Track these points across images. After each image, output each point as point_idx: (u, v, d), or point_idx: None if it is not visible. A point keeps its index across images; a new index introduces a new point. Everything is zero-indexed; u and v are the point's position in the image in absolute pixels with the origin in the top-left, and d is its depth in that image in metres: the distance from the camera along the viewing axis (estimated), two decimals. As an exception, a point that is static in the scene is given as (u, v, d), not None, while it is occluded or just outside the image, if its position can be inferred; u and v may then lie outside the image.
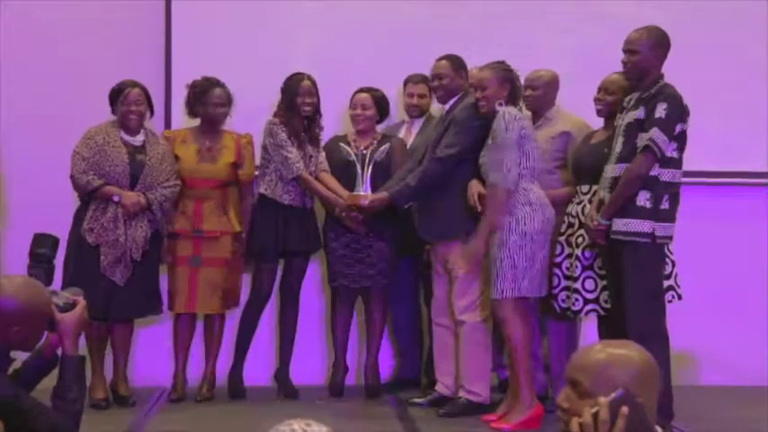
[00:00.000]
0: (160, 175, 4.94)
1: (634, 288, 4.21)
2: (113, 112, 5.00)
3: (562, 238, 4.62)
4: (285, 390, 5.21)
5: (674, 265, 4.48)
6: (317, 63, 5.32)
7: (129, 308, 4.92)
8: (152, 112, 5.09)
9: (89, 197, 4.89)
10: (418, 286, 5.47)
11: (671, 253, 4.45)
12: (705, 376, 5.65)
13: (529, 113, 4.83)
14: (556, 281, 4.61)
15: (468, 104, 4.73)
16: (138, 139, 4.99)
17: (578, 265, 4.51)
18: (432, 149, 4.80)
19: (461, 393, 4.77)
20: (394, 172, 5.07)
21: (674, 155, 4.23)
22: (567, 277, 4.58)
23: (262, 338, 5.34)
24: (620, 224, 4.23)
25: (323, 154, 5.22)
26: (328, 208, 5.17)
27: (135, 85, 4.99)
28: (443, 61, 4.88)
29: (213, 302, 5.09)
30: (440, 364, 4.94)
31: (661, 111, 4.16)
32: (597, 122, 4.74)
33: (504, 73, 4.59)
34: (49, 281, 2.94)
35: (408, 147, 5.25)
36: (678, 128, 4.20)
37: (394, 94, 5.42)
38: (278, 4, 5.61)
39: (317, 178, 5.13)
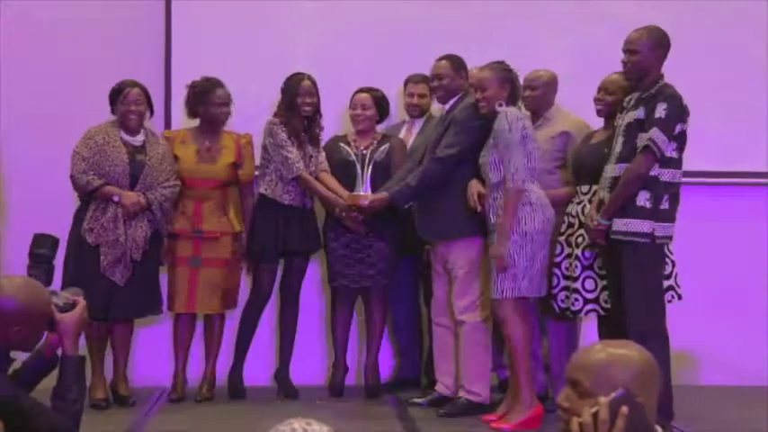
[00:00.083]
0: (160, 176, 4.94)
1: (634, 288, 4.21)
2: (113, 112, 5.00)
3: (562, 238, 4.62)
4: (285, 390, 5.21)
5: (674, 265, 4.48)
6: (317, 63, 5.32)
7: (128, 308, 4.92)
8: (152, 111, 5.09)
9: (89, 197, 4.89)
10: (418, 286, 5.47)
11: (671, 253, 4.45)
12: (705, 376, 5.65)
13: (528, 113, 4.83)
14: (555, 281, 4.61)
15: (468, 104, 4.73)
16: (138, 139, 4.99)
17: (578, 264, 4.51)
18: (432, 149, 4.80)
19: (461, 393, 4.77)
20: (394, 172, 5.07)
21: (674, 155, 4.23)
22: (567, 277, 4.58)
23: (262, 338, 5.34)
24: (619, 224, 4.23)
25: (323, 154, 5.22)
26: (328, 208, 5.17)
27: (135, 84, 4.99)
28: (443, 61, 4.88)
29: (213, 303, 5.09)
30: (440, 364, 4.94)
31: (661, 111, 4.17)
32: (597, 122, 4.74)
33: (504, 73, 4.59)
34: (48, 281, 2.94)
35: (408, 147, 5.25)
36: (678, 128, 4.20)
37: (394, 94, 5.42)
38: (278, 4, 5.61)
39: (317, 178, 5.13)
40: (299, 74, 5.15)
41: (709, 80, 5.42)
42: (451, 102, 4.86)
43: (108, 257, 4.82)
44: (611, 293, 4.40)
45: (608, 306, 4.45)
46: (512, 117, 4.47)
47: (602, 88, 4.61)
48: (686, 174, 4.41)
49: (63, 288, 3.15)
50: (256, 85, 5.36)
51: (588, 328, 4.93)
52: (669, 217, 4.26)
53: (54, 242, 3.06)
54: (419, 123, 5.36)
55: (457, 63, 4.88)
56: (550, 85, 4.92)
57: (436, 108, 5.27)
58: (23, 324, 2.58)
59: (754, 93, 5.58)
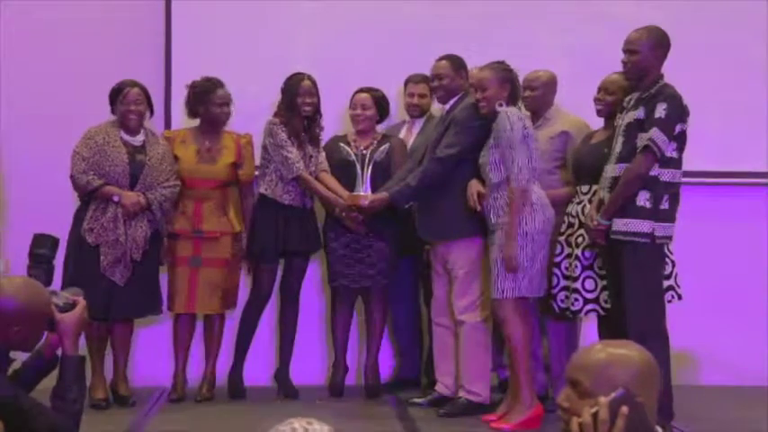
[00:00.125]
0: (160, 176, 4.94)
1: (634, 288, 4.21)
2: (113, 111, 5.00)
3: (562, 238, 4.62)
4: (285, 390, 5.21)
5: (674, 265, 4.48)
6: (316, 63, 5.32)
7: (128, 308, 4.92)
8: (152, 111, 5.09)
9: (89, 197, 4.89)
10: (418, 286, 5.46)
11: (671, 253, 4.45)
12: (705, 376, 5.65)
13: (528, 113, 4.83)
14: (555, 281, 4.61)
15: (469, 104, 4.73)
16: (138, 139, 4.99)
17: (578, 264, 4.51)
18: (432, 149, 4.80)
19: (461, 393, 4.77)
20: (394, 172, 5.07)
21: (674, 155, 4.23)
22: (567, 277, 4.58)
23: (262, 338, 5.34)
24: (619, 224, 4.23)
25: (323, 154, 5.22)
26: (328, 208, 5.17)
27: (135, 84, 4.99)
28: (443, 61, 4.88)
29: (213, 303, 5.09)
30: (440, 364, 4.94)
31: (661, 111, 4.16)
32: (597, 122, 4.74)
33: (504, 73, 4.59)
34: (48, 281, 2.94)
35: (408, 147, 5.25)
36: (678, 128, 4.20)
37: (394, 94, 5.42)
38: (278, 4, 5.62)
39: (317, 178, 5.13)
40: (299, 74, 5.15)
41: (709, 80, 5.43)
42: (452, 102, 4.86)
43: (108, 257, 4.82)
44: (611, 293, 4.40)
45: (608, 306, 4.45)
46: (513, 117, 4.47)
47: (602, 88, 4.61)
48: (686, 174, 4.41)
49: (63, 288, 3.15)
50: (256, 85, 5.36)
51: (588, 328, 4.93)
52: (669, 217, 4.26)
53: (54, 242, 3.06)
54: (419, 123, 5.36)
55: (457, 63, 4.88)
56: (550, 85, 4.92)
57: (436, 108, 5.27)
58: (23, 324, 2.58)
59: (754, 93, 5.58)
